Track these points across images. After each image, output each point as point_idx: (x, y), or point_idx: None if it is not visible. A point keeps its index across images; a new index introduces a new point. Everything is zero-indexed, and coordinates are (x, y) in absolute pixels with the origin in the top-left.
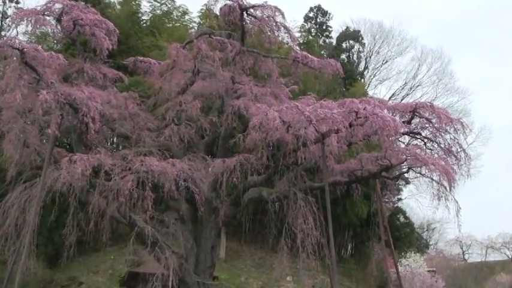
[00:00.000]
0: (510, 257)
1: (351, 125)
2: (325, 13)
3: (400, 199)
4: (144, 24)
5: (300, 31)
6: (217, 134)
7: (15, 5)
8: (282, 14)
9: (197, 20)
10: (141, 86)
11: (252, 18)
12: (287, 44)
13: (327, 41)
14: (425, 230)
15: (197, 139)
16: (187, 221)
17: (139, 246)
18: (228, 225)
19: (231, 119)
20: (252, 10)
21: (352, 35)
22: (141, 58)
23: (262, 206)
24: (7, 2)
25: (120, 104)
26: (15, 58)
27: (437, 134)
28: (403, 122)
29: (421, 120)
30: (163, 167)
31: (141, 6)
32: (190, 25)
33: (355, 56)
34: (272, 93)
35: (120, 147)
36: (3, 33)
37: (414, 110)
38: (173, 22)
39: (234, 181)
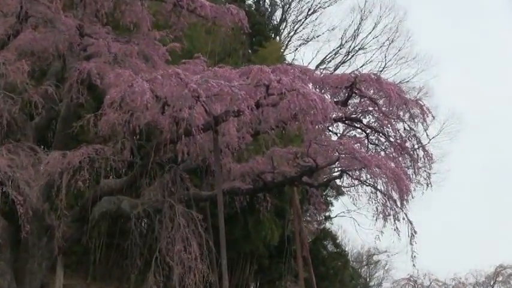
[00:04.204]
0: None
1: (258, 105)
2: None
3: (328, 217)
4: None
5: None
6: (54, 113)
7: None
8: None
9: None
10: None
11: None
12: None
13: None
14: (364, 263)
15: (23, 120)
16: (5, 246)
17: None
18: (68, 253)
19: (77, 91)
20: None
21: None
22: None
23: (122, 225)
24: None
25: None
26: None
27: (386, 122)
28: (336, 102)
29: (362, 100)
30: None
31: None
32: None
33: (267, 1)
34: (141, 52)
35: None
36: None
37: (353, 86)
38: None
39: (80, 186)
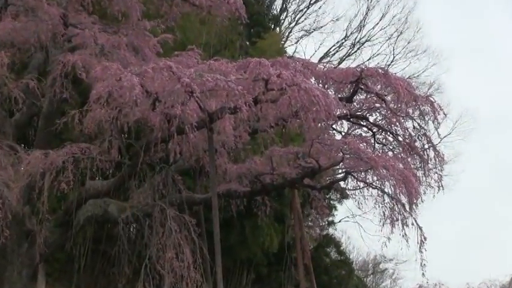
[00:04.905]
0: None
1: (256, 102)
2: None
3: (332, 222)
4: None
5: None
6: (36, 109)
7: None
8: None
9: None
10: None
11: None
12: None
13: None
14: (370, 272)
15: (2, 116)
16: None
17: None
18: (50, 260)
19: (61, 85)
20: None
21: None
22: None
23: (109, 230)
24: None
25: None
26: None
27: (394, 120)
28: (341, 98)
29: (368, 96)
30: None
31: None
32: None
33: None
34: (130, 44)
35: None
36: None
37: (358, 81)
38: None
39: (63, 188)
